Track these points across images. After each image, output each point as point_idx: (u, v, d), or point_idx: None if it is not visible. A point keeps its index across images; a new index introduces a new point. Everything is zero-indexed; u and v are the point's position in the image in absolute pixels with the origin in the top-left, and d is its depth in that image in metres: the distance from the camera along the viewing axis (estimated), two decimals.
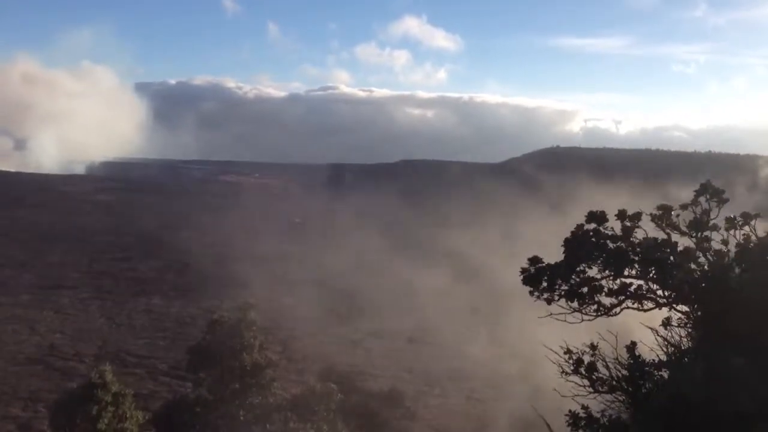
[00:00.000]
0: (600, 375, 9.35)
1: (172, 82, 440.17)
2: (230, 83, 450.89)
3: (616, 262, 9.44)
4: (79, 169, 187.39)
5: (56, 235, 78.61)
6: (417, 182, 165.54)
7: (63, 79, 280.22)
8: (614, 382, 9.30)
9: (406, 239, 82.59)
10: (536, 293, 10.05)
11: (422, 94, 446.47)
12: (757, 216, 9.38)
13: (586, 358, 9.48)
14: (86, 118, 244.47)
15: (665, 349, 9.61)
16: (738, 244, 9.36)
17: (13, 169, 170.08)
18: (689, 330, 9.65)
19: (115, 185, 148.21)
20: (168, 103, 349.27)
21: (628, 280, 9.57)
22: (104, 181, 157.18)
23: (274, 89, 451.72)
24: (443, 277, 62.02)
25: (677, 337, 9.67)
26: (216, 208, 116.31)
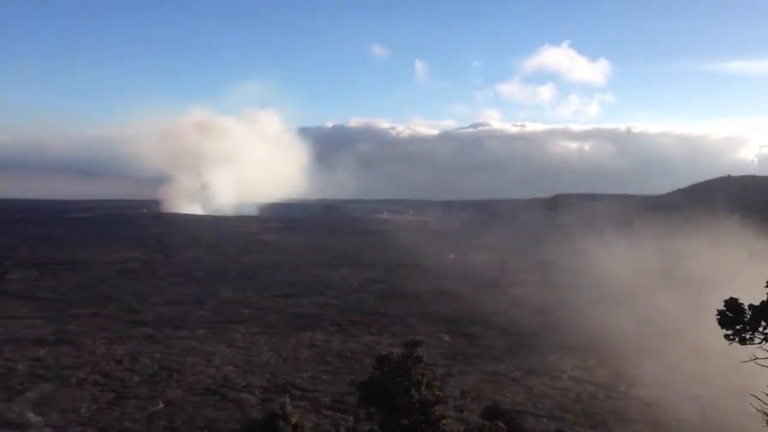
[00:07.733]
0: None
1: (329, 125, 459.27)
2: (384, 124, 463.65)
3: None
4: (251, 210, 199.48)
5: (228, 273, 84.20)
6: (570, 216, 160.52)
7: (233, 125, 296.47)
8: None
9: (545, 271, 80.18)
10: (732, 336, 9.33)
11: (575, 126, 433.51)
12: None
13: None
14: (256, 161, 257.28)
15: None
16: None
17: (199, 212, 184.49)
18: None
19: (281, 225, 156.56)
20: (326, 146, 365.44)
21: None
22: (271, 221, 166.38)
23: (425, 128, 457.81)
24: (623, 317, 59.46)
25: None
26: (373, 246, 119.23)
